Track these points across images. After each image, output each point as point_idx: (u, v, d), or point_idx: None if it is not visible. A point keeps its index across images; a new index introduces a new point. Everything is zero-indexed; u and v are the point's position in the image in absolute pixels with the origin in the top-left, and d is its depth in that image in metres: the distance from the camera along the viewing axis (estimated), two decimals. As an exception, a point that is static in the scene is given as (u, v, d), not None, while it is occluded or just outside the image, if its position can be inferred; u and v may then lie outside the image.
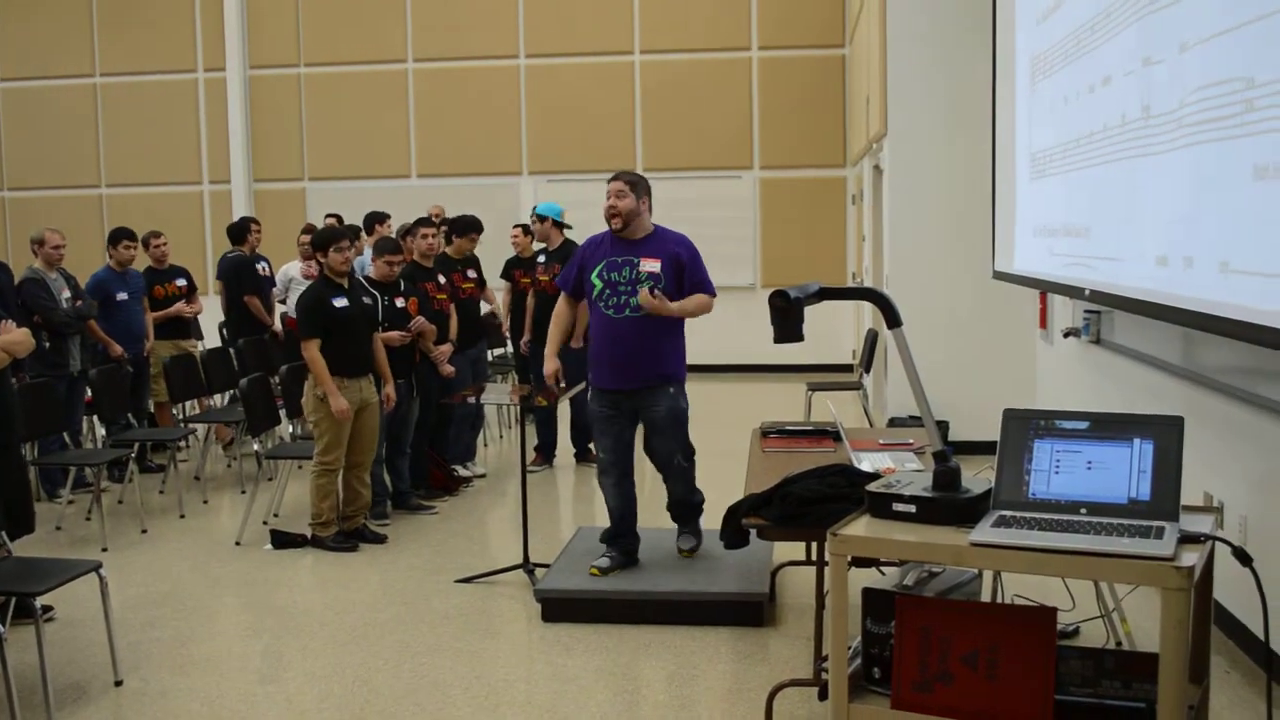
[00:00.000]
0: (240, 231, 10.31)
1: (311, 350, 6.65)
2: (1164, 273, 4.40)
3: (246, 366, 9.13)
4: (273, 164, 15.25)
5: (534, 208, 9.15)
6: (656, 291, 5.60)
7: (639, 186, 5.75)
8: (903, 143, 9.10)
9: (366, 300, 6.98)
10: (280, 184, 15.24)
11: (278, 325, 10.09)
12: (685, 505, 6.03)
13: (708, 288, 5.78)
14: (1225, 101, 3.71)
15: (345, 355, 6.75)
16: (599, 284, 5.70)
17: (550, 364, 6.04)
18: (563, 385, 6.28)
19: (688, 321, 5.82)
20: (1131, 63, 4.74)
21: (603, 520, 6.33)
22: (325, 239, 6.90)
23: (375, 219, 10.07)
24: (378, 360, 7.03)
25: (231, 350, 9.60)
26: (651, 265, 5.66)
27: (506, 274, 9.48)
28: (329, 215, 11.46)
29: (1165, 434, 3.00)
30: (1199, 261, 4.05)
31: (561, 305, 6.05)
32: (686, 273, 5.71)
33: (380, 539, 6.98)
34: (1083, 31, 5.48)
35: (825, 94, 14.17)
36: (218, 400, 10.03)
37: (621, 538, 5.94)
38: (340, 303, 6.78)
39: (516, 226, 10.16)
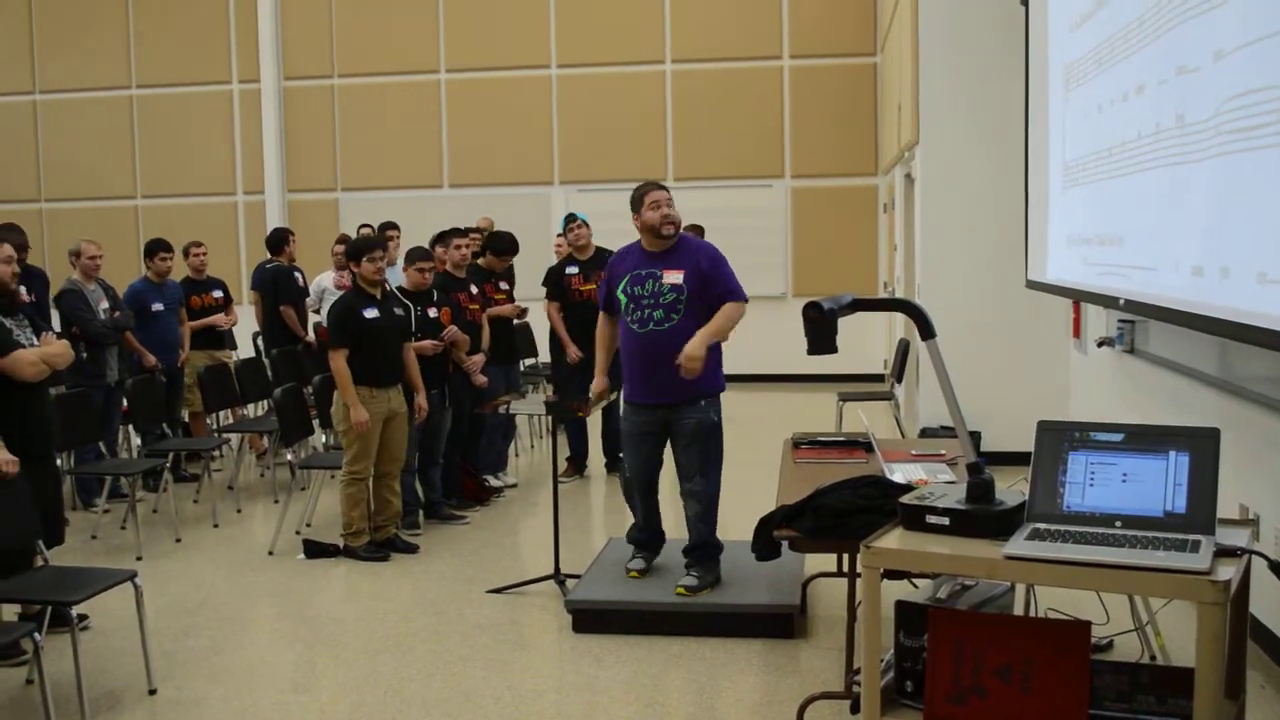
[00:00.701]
0: (278, 242, 10.39)
1: (338, 360, 6.69)
2: (1200, 282, 4.36)
3: (280, 377, 9.18)
4: (306, 174, 15.35)
5: (566, 216, 9.09)
6: (681, 363, 5.44)
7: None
8: (935, 151, 9.07)
9: (398, 311, 7.02)
10: (314, 194, 15.34)
11: (311, 336, 10.15)
12: (693, 539, 5.75)
13: (735, 294, 5.63)
14: (1260, 110, 3.68)
15: (375, 365, 6.78)
16: (624, 299, 5.65)
17: (599, 382, 6.01)
18: (592, 399, 6.27)
19: None
20: (1165, 71, 4.70)
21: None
22: (358, 249, 6.95)
23: (385, 228, 10.16)
24: (409, 371, 7.05)
25: (265, 360, 9.67)
26: (674, 277, 5.58)
27: (557, 285, 8.90)
28: (362, 225, 11.53)
29: (1201, 446, 2.97)
30: (1235, 271, 4.01)
31: (602, 324, 5.96)
32: (709, 281, 5.60)
33: (412, 549, 7.00)
34: (1116, 39, 5.45)
35: (857, 102, 14.15)
36: (251, 410, 10.10)
37: (649, 539, 5.99)
38: (371, 313, 6.81)
39: (561, 235, 10.20)
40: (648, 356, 5.58)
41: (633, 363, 5.67)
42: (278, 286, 10.08)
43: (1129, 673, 3.03)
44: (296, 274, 10.32)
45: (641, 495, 5.89)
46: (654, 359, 5.55)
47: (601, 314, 5.95)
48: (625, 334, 5.70)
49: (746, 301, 5.70)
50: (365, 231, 10.62)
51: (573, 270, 8.75)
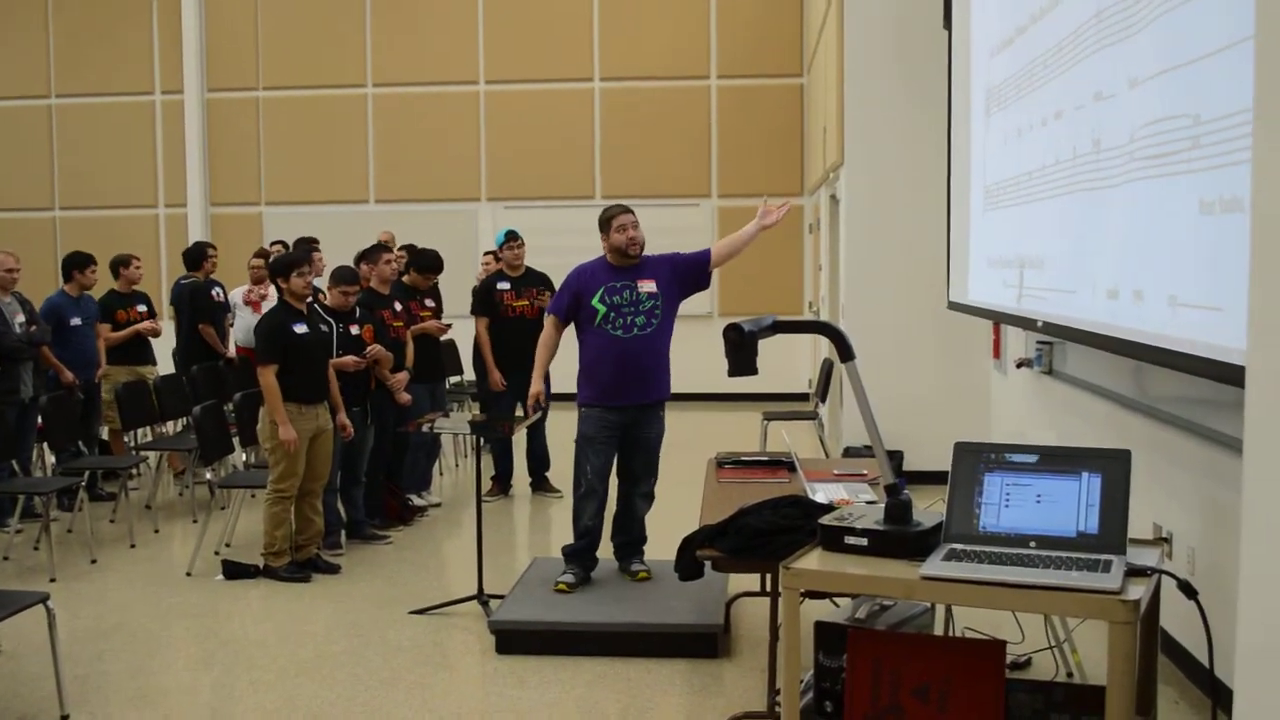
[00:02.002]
0: (196, 257, 10.21)
1: (268, 376, 6.62)
2: (1115, 305, 4.45)
3: (200, 394, 9.05)
4: (230, 187, 15.17)
5: (506, 231, 9.04)
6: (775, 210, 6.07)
7: None
8: (859, 172, 9.17)
9: (323, 327, 6.97)
10: (237, 208, 15.16)
11: (231, 351, 10.02)
12: (638, 534, 6.26)
13: (705, 254, 6.25)
14: (1173, 137, 3.77)
15: (303, 382, 6.71)
16: (602, 308, 6.00)
17: (536, 384, 6.23)
18: (536, 414, 6.40)
19: None
20: (1083, 97, 4.80)
21: (557, 549, 6.32)
22: (286, 264, 6.87)
23: (302, 244, 9.96)
24: (330, 389, 7.00)
25: (184, 378, 9.51)
26: (649, 286, 6.04)
27: (488, 300, 8.82)
28: (274, 242, 11.37)
29: (1113, 468, 3.03)
30: (1148, 294, 4.10)
31: (551, 331, 6.21)
32: (680, 270, 6.12)
33: (334, 569, 6.93)
34: (1035, 65, 5.56)
35: (783, 123, 14.27)
36: (170, 428, 9.93)
37: (586, 553, 6.12)
38: (300, 329, 6.75)
39: (488, 254, 10.19)
40: (630, 359, 5.98)
41: (612, 367, 6.00)
42: (195, 303, 9.92)
43: (1044, 691, 3.08)
44: (216, 289, 10.17)
45: (596, 502, 6.09)
46: (636, 361, 5.99)
47: (551, 320, 6.21)
48: (601, 341, 6.01)
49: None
50: (277, 249, 10.47)
51: (504, 286, 8.74)
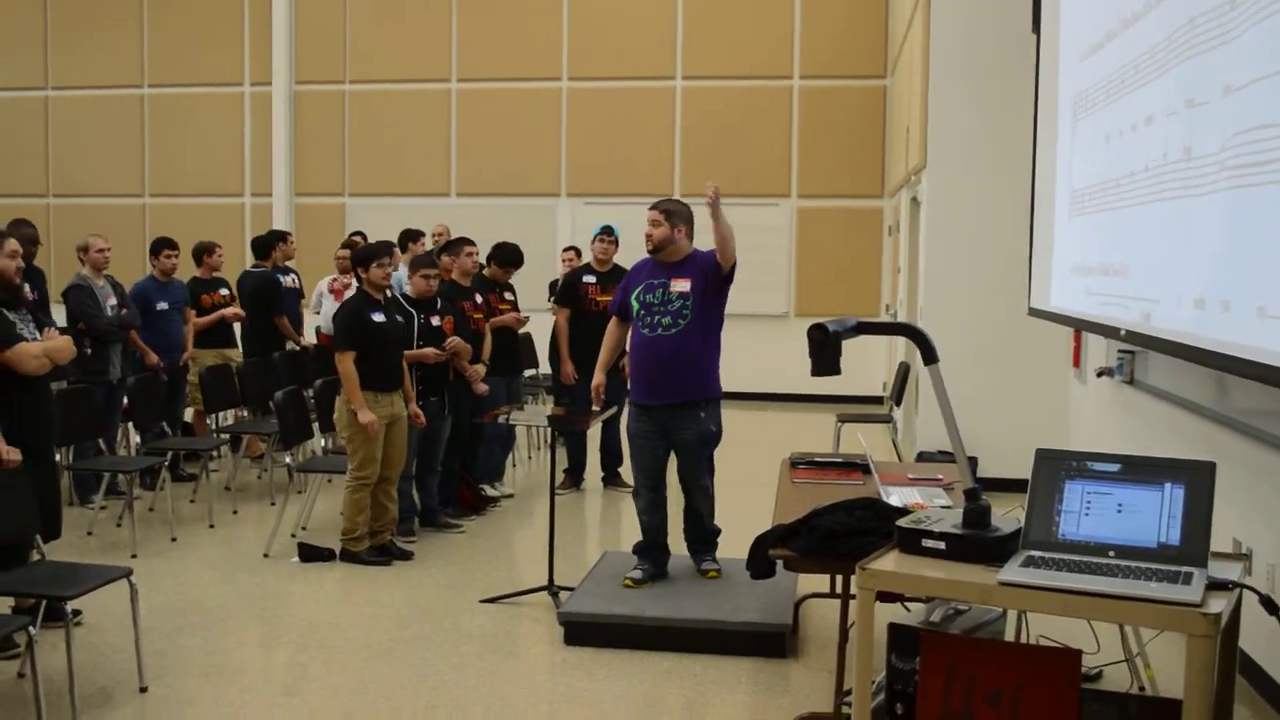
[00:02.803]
0: (266, 247, 10.21)
1: (346, 363, 6.70)
2: (1201, 315, 4.37)
3: (281, 380, 9.18)
4: (314, 178, 15.39)
5: (603, 225, 9.05)
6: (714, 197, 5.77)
7: (675, 215, 6.04)
8: (941, 175, 9.09)
9: (400, 318, 7.06)
10: (321, 198, 15.37)
11: (310, 339, 10.12)
12: (705, 531, 6.20)
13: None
14: (1267, 146, 3.70)
15: (379, 370, 6.80)
16: (636, 305, 6.02)
17: (598, 377, 6.27)
18: (598, 407, 6.41)
19: (723, 349, 5.99)
20: (1174, 103, 4.72)
21: (629, 544, 6.34)
22: (367, 255, 6.98)
23: (409, 237, 10.01)
24: (404, 379, 7.07)
25: (259, 363, 9.60)
26: (681, 285, 5.96)
27: (572, 293, 8.91)
28: (354, 233, 11.48)
29: (1196, 479, 2.98)
30: (1236, 305, 4.03)
31: (611, 327, 6.31)
32: (714, 267, 5.92)
33: (407, 555, 7.00)
34: (1126, 70, 5.47)
35: (865, 124, 14.18)
36: (242, 413, 10.02)
37: (653, 550, 6.13)
38: (378, 318, 6.84)
39: (569, 249, 10.27)
40: (655, 358, 5.94)
41: (641, 365, 6.02)
42: (262, 293, 9.89)
43: (1117, 703, 3.04)
44: (290, 276, 10.27)
45: (647, 498, 6.09)
46: (660, 361, 5.92)
47: (614, 319, 6.29)
48: (636, 338, 6.07)
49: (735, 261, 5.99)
50: (356, 240, 10.57)
51: (590, 280, 8.79)
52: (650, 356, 5.94)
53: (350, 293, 7.42)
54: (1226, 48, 4.14)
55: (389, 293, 7.11)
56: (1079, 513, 3.08)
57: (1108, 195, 5.83)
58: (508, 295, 8.70)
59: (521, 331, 9.06)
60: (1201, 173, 4.36)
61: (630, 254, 9.55)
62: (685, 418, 5.97)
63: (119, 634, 5.47)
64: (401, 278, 8.28)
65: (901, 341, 11.16)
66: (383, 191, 15.10)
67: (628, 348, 6.34)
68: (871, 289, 14.16)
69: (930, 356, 3.36)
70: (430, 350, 7.34)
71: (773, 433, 11.95)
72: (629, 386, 6.15)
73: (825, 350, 3.27)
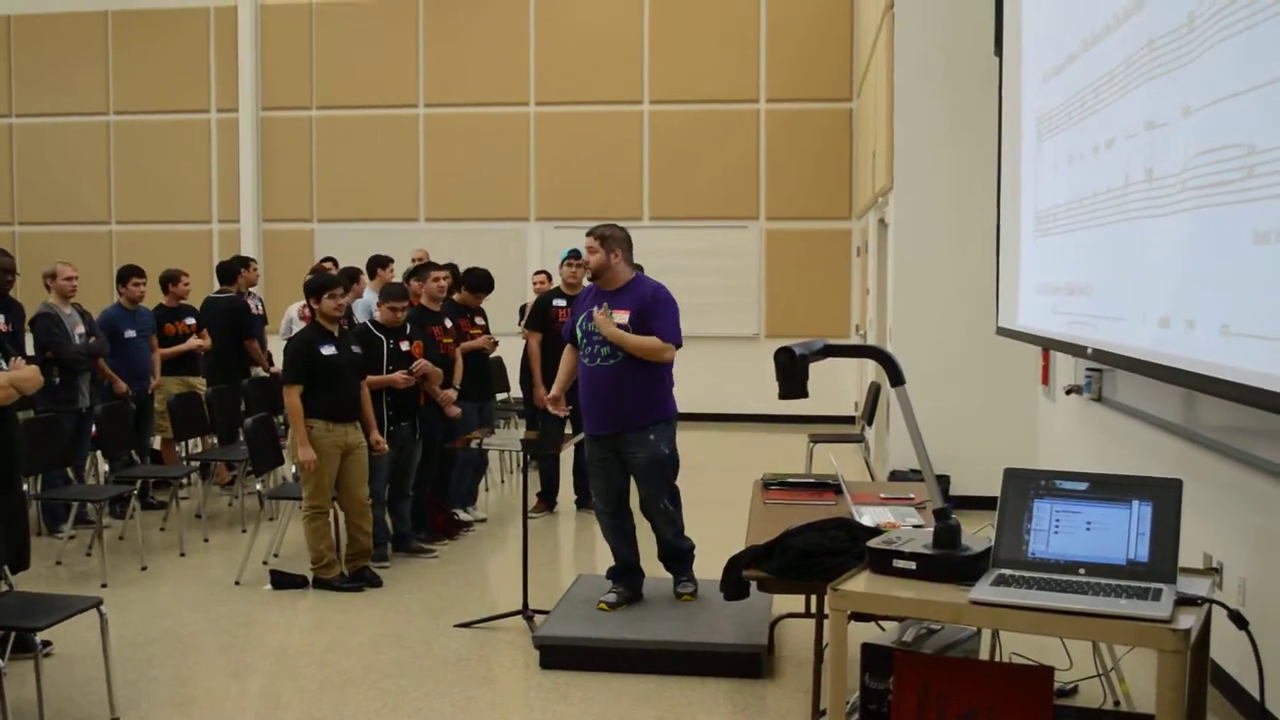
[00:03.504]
0: (230, 272, 10.16)
1: (292, 396, 6.72)
2: (1166, 333, 4.42)
3: (249, 406, 9.14)
4: (282, 204, 15.34)
5: (571, 250, 9.07)
6: (608, 314, 5.77)
7: (610, 240, 5.95)
8: (908, 197, 9.15)
9: (355, 349, 7.03)
10: (289, 224, 15.32)
11: (279, 365, 10.06)
12: (674, 549, 6.15)
13: (665, 334, 5.86)
14: (1227, 167, 3.76)
15: (332, 400, 6.80)
16: (579, 334, 5.98)
17: (554, 392, 6.25)
18: (568, 416, 6.44)
19: (690, 371, 5.98)
20: (1135, 125, 4.79)
21: (604, 567, 6.35)
22: (319, 286, 6.95)
23: (378, 263, 9.94)
24: (363, 408, 7.07)
25: (227, 391, 9.53)
26: (620, 316, 5.86)
27: (543, 316, 8.88)
28: (324, 260, 11.45)
29: (1164, 496, 3.02)
30: (1200, 324, 4.08)
31: (566, 353, 6.27)
32: (647, 315, 5.85)
33: (379, 582, 6.97)
34: (1087, 93, 5.54)
35: (832, 147, 14.26)
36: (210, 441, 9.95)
37: (626, 573, 6.11)
38: (328, 350, 6.82)
39: (539, 273, 10.27)
40: (595, 389, 5.91)
41: (585, 395, 5.99)
42: (232, 319, 9.85)
43: (1092, 718, 3.07)
44: (254, 302, 10.24)
45: (609, 524, 6.08)
46: (600, 392, 5.89)
47: (568, 344, 6.24)
48: (580, 369, 6.03)
49: (676, 348, 5.93)
50: (327, 266, 10.54)
51: (560, 304, 8.76)
52: (592, 387, 5.90)
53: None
54: (1184, 70, 4.20)
55: (347, 322, 7.11)
56: (1048, 531, 3.11)
57: (1072, 216, 5.89)
58: (479, 320, 8.70)
59: (492, 355, 9.05)
60: (1163, 193, 4.42)
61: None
62: (634, 442, 5.89)
63: (89, 665, 5.43)
64: (371, 303, 8.26)
65: (873, 362, 11.21)
66: (351, 217, 15.07)
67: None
68: (841, 310, 14.22)
69: (896, 378, 3.39)
70: (398, 375, 7.33)
71: (744, 454, 11.97)
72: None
73: (792, 374, 3.29)
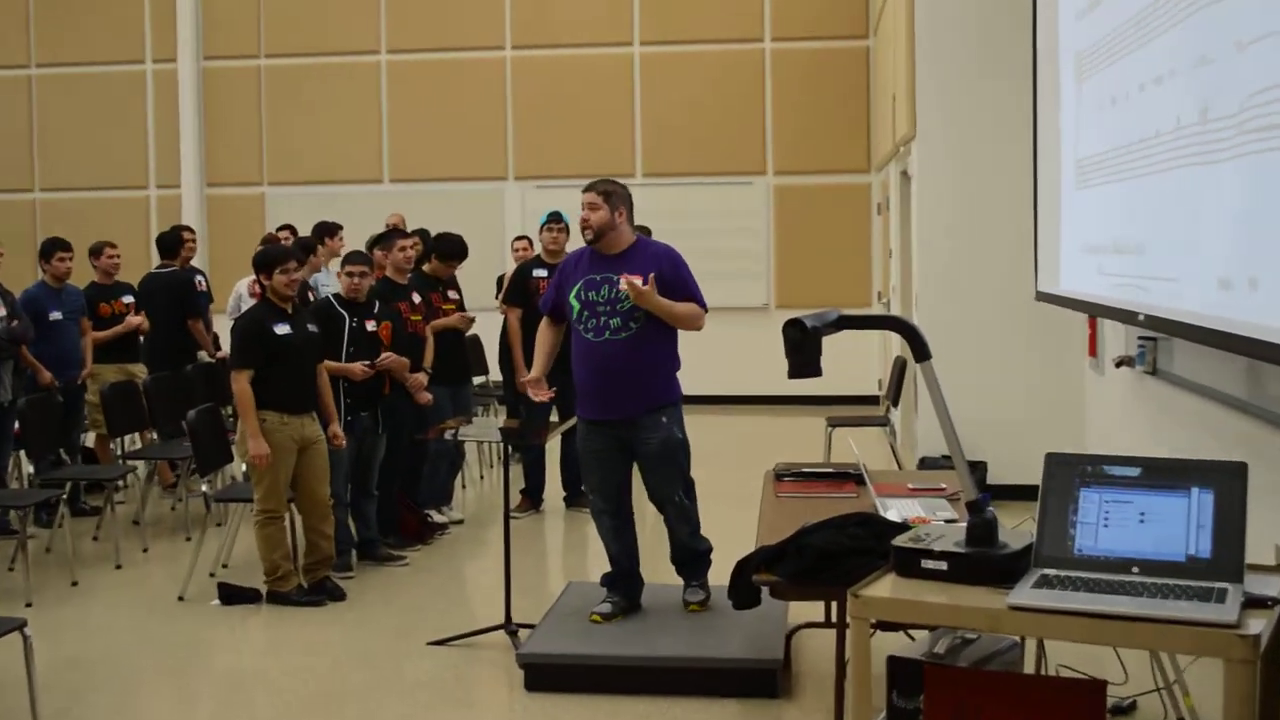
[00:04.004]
0: (172, 244, 10.08)
1: (241, 382, 6.65)
2: (1227, 296, 4.39)
3: (194, 396, 9.09)
4: (229, 167, 15.30)
5: (550, 213, 9.04)
6: (642, 281, 5.66)
7: (614, 196, 5.88)
8: (934, 146, 9.12)
9: (312, 328, 6.97)
10: (237, 189, 15.28)
11: (225, 348, 10.03)
12: (689, 552, 6.08)
13: (699, 301, 5.88)
14: (1291, 106, 3.71)
15: (286, 389, 6.74)
16: (577, 305, 5.84)
17: (531, 375, 6.13)
18: (552, 401, 6.38)
19: (688, 346, 5.93)
20: (1184, 61, 4.74)
21: (597, 572, 6.33)
22: (269, 260, 6.88)
23: (325, 231, 9.82)
24: (322, 397, 7.03)
25: (172, 378, 9.49)
26: (631, 281, 5.76)
27: (522, 289, 8.87)
28: (281, 228, 11.41)
29: (1226, 483, 2.99)
30: (1265, 283, 4.04)
31: (544, 329, 6.17)
32: (671, 287, 5.80)
33: (341, 594, 6.95)
34: (1128, 27, 5.49)
35: (847, 91, 14.22)
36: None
37: (623, 580, 6.05)
38: (282, 329, 6.77)
39: (520, 238, 10.21)
40: (603, 367, 5.78)
41: (587, 375, 5.85)
42: (178, 296, 9.81)
43: (1149, 738, 3.05)
44: (198, 278, 10.19)
45: (608, 524, 6.01)
46: (610, 370, 5.76)
47: (545, 319, 6.15)
48: (578, 344, 5.88)
49: (706, 313, 5.93)
50: (282, 236, 10.49)
51: (541, 274, 8.71)
52: (598, 365, 5.79)
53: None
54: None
55: (301, 300, 7.06)
56: (1096, 524, 3.09)
57: (1117, 164, 5.85)
58: (451, 294, 8.65)
59: (469, 334, 9.01)
60: (1219, 137, 4.38)
61: (575, 243, 9.55)
62: (646, 427, 5.82)
63: (13, 694, 5.39)
64: (322, 277, 8.21)
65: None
66: (307, 179, 15.02)
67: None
68: (861, 275, 14.20)
69: (921, 353, 3.36)
70: (357, 366, 7.27)
71: (754, 441, 11.97)
72: (576, 397, 5.98)
73: (804, 349, 3.26)
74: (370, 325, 7.45)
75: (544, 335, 6.16)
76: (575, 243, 8.75)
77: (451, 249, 8.62)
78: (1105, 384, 7.96)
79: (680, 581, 6.15)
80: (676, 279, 5.84)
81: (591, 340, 5.79)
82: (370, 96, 14.99)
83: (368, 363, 7.34)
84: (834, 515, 4.10)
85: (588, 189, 5.90)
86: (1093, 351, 8.27)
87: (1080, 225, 6.72)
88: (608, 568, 6.14)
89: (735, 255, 14.16)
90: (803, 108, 14.30)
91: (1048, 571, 3.04)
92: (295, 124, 15.12)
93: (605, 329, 5.76)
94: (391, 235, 8.27)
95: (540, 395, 6.17)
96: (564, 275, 6.00)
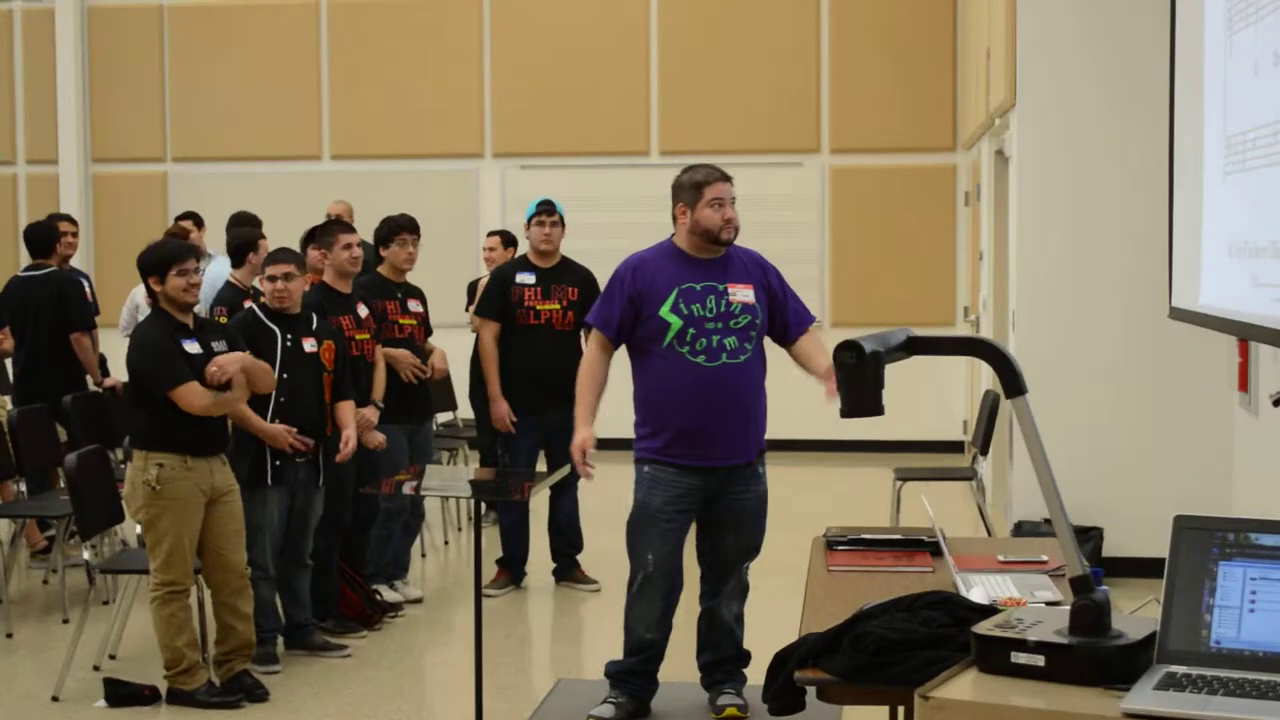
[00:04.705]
0: (47, 238, 10.10)
1: (191, 400, 6.64)
2: None
3: (74, 436, 9.11)
4: (121, 138, 15.35)
5: (539, 201, 9.01)
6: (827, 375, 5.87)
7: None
8: (1039, 118, 9.14)
9: (219, 346, 6.95)
10: (132, 165, 15.33)
11: (117, 374, 10.07)
12: (734, 641, 6.23)
13: (809, 315, 6.35)
14: None
15: (192, 424, 6.74)
16: (677, 321, 5.97)
17: (582, 432, 6.12)
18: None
19: None
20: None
21: (595, 667, 6.35)
22: (164, 258, 6.82)
23: (242, 224, 9.80)
24: (247, 420, 7.09)
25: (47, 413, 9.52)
26: (743, 293, 6.01)
27: (500, 298, 8.84)
28: (181, 217, 11.45)
29: None
30: None
31: (598, 353, 6.21)
32: (779, 303, 6.15)
33: (264, 693, 6.98)
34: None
35: (925, 48, 14.24)
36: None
37: (640, 676, 6.14)
38: (192, 348, 6.79)
39: (493, 234, 10.23)
40: (720, 400, 5.96)
41: (691, 409, 5.98)
42: (61, 305, 9.80)
43: None
44: (84, 282, 10.21)
45: (660, 605, 6.12)
46: (730, 404, 5.98)
47: (597, 339, 6.19)
48: (675, 370, 6.00)
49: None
50: (185, 225, 10.54)
51: (527, 279, 8.74)
52: (713, 397, 5.95)
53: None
54: None
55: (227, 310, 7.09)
56: (1240, 609, 3.11)
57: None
58: (413, 304, 8.70)
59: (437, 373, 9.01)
60: None
61: (588, 240, 9.61)
62: (747, 477, 6.10)
63: None
64: (220, 272, 8.19)
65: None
66: (223, 155, 15.07)
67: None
68: (942, 285, 14.20)
69: (1013, 385, 3.37)
70: (280, 432, 7.22)
71: (801, 498, 11.97)
72: (653, 436, 6.07)
73: (860, 378, 3.27)
74: (309, 344, 7.47)
75: (597, 368, 6.21)
76: (573, 239, 8.87)
77: (392, 226, 8.61)
78: (1259, 427, 7.97)
79: (692, 679, 6.23)
80: (784, 292, 6.20)
81: (704, 365, 5.94)
82: (307, 48, 15.04)
83: (295, 429, 7.33)
84: (901, 595, 4.12)
85: (728, 178, 6.10)
86: (1243, 385, 8.27)
87: (1229, 221, 6.74)
88: (607, 659, 6.17)
89: (780, 256, 13.81)
90: (868, 67, 14.33)
91: (1175, 669, 3.07)
92: (209, 82, 15.17)
93: (721, 350, 5.94)
94: (332, 228, 8.27)
95: (587, 469, 6.17)
96: (642, 282, 6.07)
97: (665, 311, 5.97)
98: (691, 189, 6.04)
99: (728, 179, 6.08)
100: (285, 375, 7.30)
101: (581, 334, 6.25)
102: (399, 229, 8.57)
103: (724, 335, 5.94)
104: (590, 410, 6.18)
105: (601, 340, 6.15)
